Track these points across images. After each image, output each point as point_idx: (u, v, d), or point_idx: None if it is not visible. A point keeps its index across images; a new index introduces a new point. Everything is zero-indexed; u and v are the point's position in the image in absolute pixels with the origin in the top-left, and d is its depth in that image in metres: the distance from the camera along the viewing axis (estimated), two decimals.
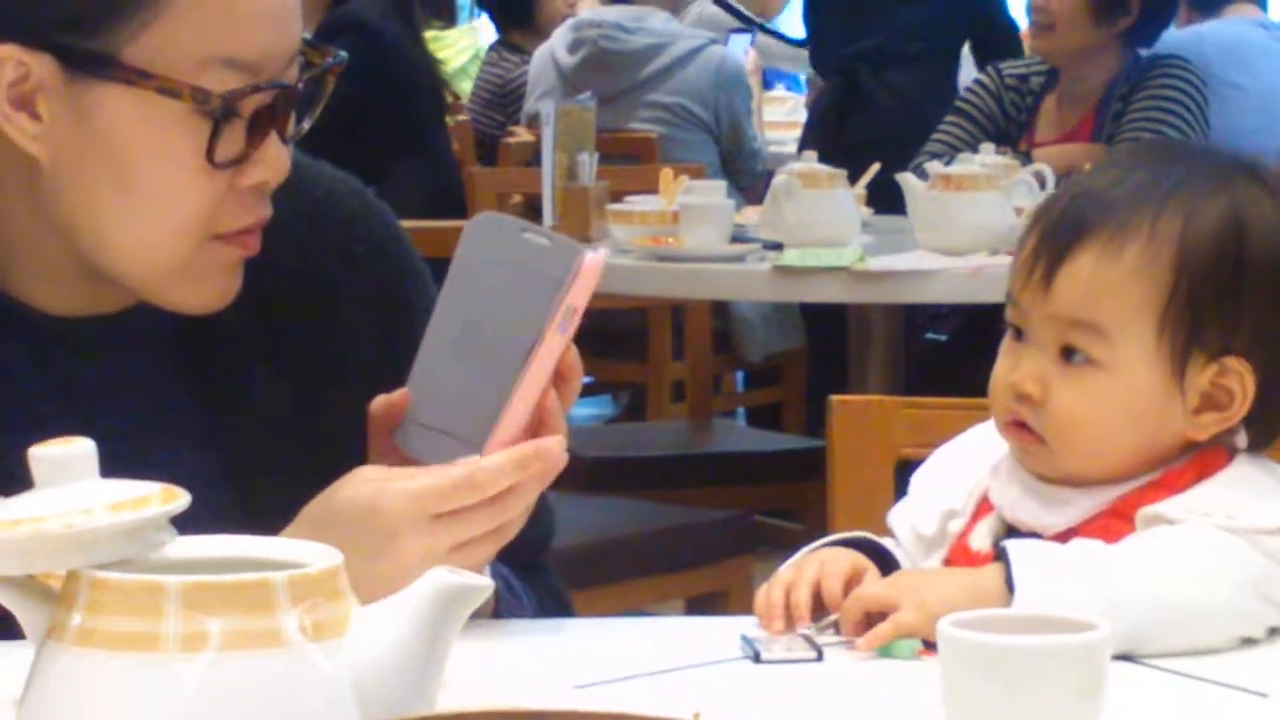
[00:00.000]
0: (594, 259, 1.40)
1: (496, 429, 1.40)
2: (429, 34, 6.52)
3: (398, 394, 1.45)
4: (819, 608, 1.51)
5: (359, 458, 1.46)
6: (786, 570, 1.54)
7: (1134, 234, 1.52)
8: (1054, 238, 1.54)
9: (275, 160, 1.46)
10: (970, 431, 1.66)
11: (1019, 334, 1.57)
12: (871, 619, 1.46)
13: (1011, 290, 1.58)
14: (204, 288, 1.48)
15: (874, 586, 1.49)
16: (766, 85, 6.74)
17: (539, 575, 1.63)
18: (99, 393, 1.51)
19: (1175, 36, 5.09)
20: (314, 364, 1.55)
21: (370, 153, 4.71)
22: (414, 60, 5.03)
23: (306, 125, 1.50)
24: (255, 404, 1.53)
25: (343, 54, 1.52)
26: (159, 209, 1.44)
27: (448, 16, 7.33)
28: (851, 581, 1.51)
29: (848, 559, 1.54)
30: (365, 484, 1.41)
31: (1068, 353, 1.54)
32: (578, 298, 1.40)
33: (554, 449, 1.40)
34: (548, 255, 1.42)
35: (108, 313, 1.53)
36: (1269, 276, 1.53)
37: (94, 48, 1.41)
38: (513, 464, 1.39)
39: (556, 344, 1.40)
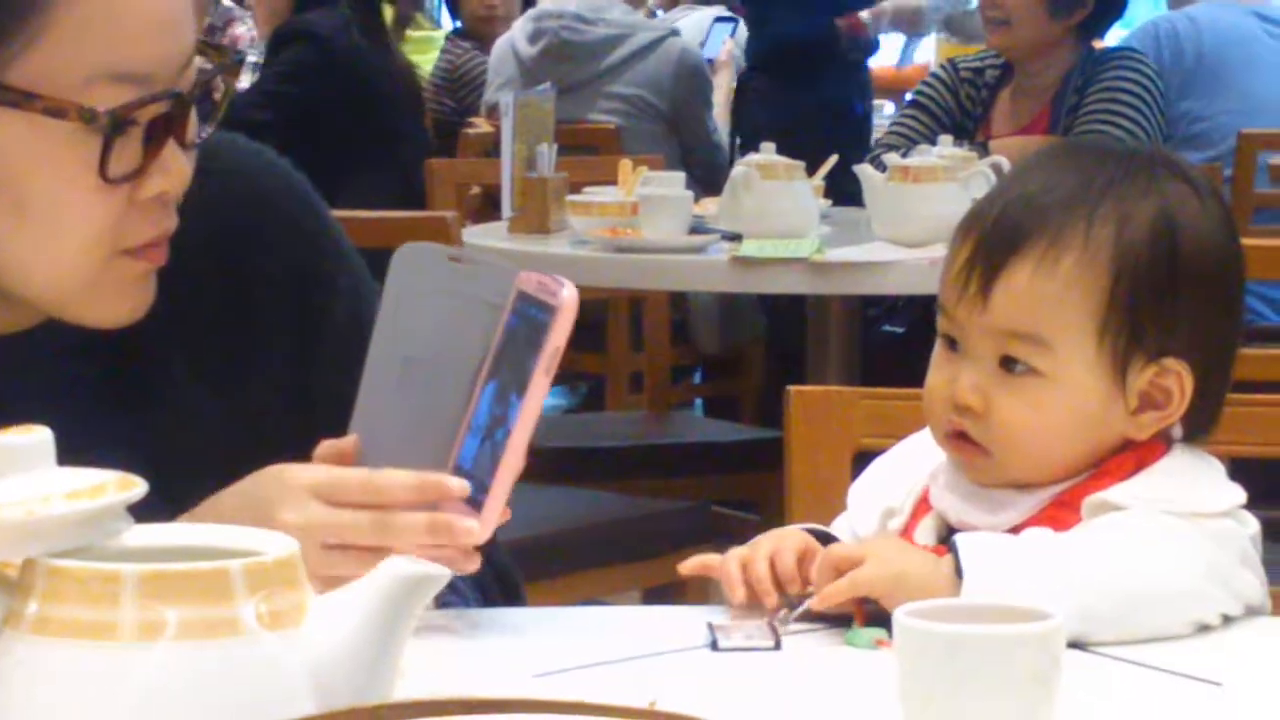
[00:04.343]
0: (571, 297, 1.37)
1: (496, 475, 1.37)
2: (423, 34, 6.61)
3: (346, 441, 1.43)
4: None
5: (281, 448, 1.44)
6: (740, 549, 1.54)
7: (1069, 243, 1.52)
8: (987, 250, 1.54)
9: (175, 169, 1.42)
10: (905, 441, 1.66)
11: (952, 344, 1.57)
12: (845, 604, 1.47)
13: (944, 303, 1.57)
14: (115, 303, 1.45)
15: (843, 546, 1.51)
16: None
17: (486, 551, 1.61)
18: (19, 409, 1.49)
19: (1174, 20, 5.00)
20: (232, 355, 1.53)
21: (332, 159, 4.87)
22: (375, 69, 5.14)
23: (210, 129, 1.46)
24: (176, 402, 1.51)
25: (242, 53, 1.49)
26: (57, 230, 1.41)
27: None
28: (804, 558, 1.52)
29: (800, 537, 1.55)
30: (278, 467, 1.40)
31: (1008, 363, 1.54)
32: (560, 338, 1.37)
33: (453, 486, 1.37)
34: (478, 281, 1.40)
35: (20, 330, 1.50)
36: (1202, 275, 1.54)
37: None
38: (412, 483, 1.38)
39: (543, 387, 1.38)
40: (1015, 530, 1.53)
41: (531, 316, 1.38)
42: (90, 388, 1.50)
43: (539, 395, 1.37)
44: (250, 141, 1.61)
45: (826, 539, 1.58)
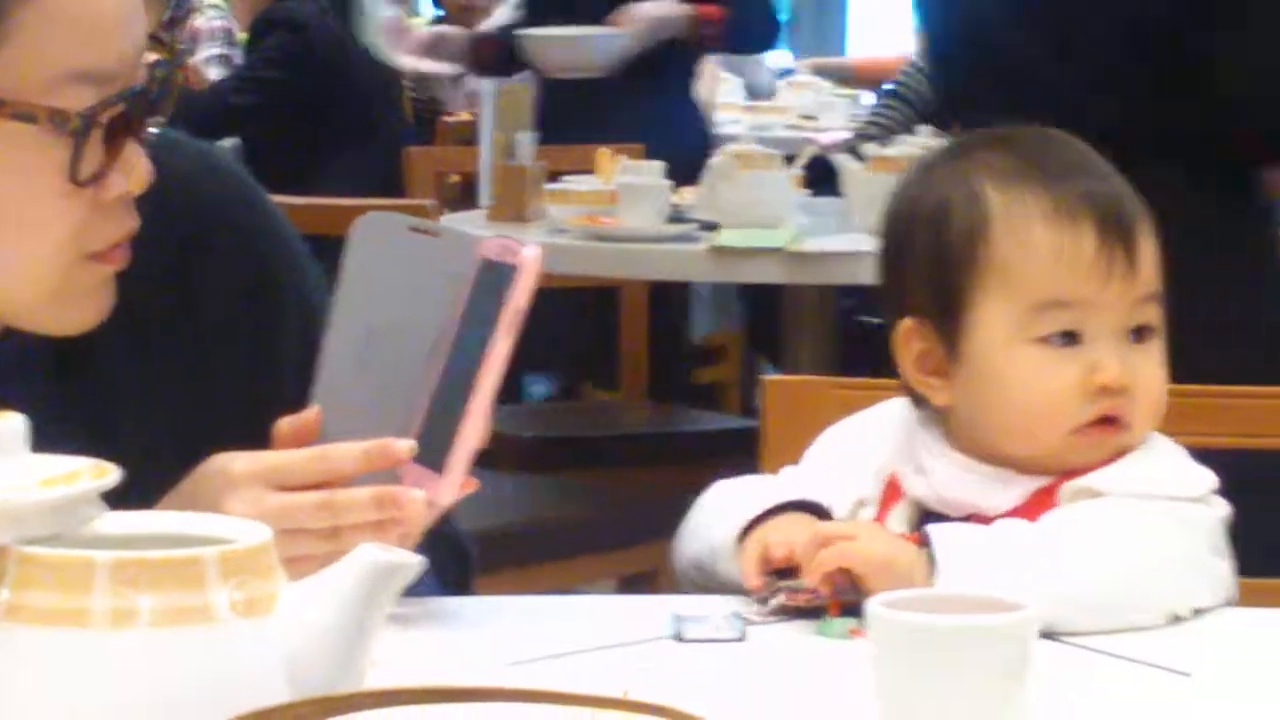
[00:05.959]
0: (534, 256, 1.36)
1: (456, 441, 1.37)
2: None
3: (308, 415, 1.42)
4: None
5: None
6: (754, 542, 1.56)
7: (1131, 197, 1.59)
8: (1113, 228, 1.56)
9: (136, 168, 1.41)
10: (860, 416, 1.67)
11: (1070, 338, 1.56)
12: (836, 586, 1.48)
13: (1071, 298, 1.55)
14: (79, 309, 1.44)
15: (833, 526, 1.53)
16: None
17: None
18: None
19: None
20: (189, 368, 1.52)
21: (315, 141, 4.93)
22: (354, 56, 5.22)
23: (160, 123, 1.44)
24: (136, 418, 1.49)
25: (188, 45, 1.47)
26: (24, 238, 1.39)
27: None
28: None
29: (806, 526, 1.55)
30: (219, 460, 1.39)
31: (1136, 332, 1.57)
32: (522, 298, 1.36)
33: (401, 449, 1.36)
34: (441, 250, 1.40)
35: None
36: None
37: None
38: (361, 452, 1.37)
39: (505, 347, 1.36)
40: (1005, 515, 1.54)
41: (494, 281, 1.37)
42: (50, 405, 1.45)
43: (500, 357, 1.36)
44: (195, 141, 1.58)
45: (820, 512, 1.58)
